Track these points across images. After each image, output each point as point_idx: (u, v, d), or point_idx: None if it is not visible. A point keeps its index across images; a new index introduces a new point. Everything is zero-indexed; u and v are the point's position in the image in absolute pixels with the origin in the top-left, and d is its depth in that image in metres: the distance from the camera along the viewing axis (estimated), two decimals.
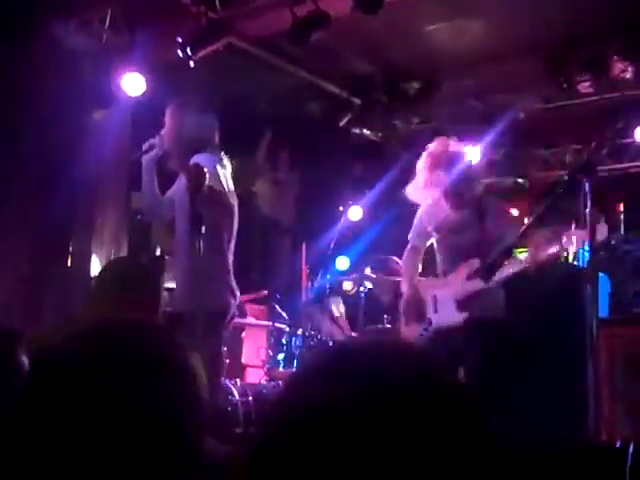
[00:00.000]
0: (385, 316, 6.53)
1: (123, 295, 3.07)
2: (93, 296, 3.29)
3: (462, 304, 4.76)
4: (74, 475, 1.18)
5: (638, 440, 4.48)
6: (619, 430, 5.04)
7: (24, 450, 1.19)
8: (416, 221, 5.19)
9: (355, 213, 7.54)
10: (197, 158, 4.35)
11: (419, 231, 5.16)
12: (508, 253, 4.50)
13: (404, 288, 5.17)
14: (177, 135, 4.58)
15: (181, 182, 4.61)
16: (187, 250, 4.36)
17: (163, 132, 4.66)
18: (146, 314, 3.09)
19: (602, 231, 4.32)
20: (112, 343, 1.29)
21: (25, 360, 1.23)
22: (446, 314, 4.84)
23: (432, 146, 5.01)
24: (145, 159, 4.70)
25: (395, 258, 6.68)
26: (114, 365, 1.25)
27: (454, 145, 4.98)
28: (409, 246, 5.23)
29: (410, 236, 5.22)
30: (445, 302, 4.85)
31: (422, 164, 5.00)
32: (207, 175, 4.11)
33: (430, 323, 4.91)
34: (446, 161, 4.89)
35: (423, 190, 5.02)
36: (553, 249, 4.58)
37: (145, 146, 4.69)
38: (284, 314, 6.54)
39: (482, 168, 5.01)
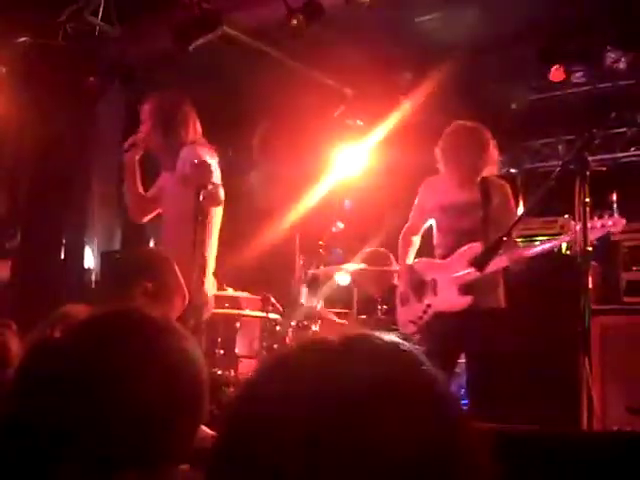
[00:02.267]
0: (379, 307, 6.54)
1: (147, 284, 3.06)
2: (107, 286, 3.26)
3: (464, 289, 4.72)
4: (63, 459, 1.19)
5: (631, 429, 4.52)
6: (612, 420, 5.06)
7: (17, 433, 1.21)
8: (418, 199, 5.06)
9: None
10: (197, 152, 4.36)
11: (420, 208, 5.03)
12: (501, 243, 4.49)
13: (400, 267, 5.12)
14: (160, 131, 4.55)
15: (171, 178, 4.57)
16: (186, 245, 4.35)
17: (143, 129, 4.61)
18: (172, 301, 3.11)
19: (619, 222, 4.39)
20: (104, 334, 1.30)
21: (16, 349, 1.24)
22: (447, 298, 4.77)
23: (459, 124, 4.96)
24: (126, 158, 4.66)
25: (385, 250, 6.68)
26: (107, 354, 1.26)
27: (474, 125, 4.92)
28: (408, 224, 5.11)
29: (411, 214, 5.11)
30: (446, 286, 4.78)
31: (448, 140, 4.91)
32: (213, 170, 4.13)
33: (429, 306, 4.86)
34: (467, 138, 4.83)
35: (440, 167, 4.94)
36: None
37: (126, 145, 4.66)
38: (278, 305, 6.55)
39: (495, 152, 4.94)
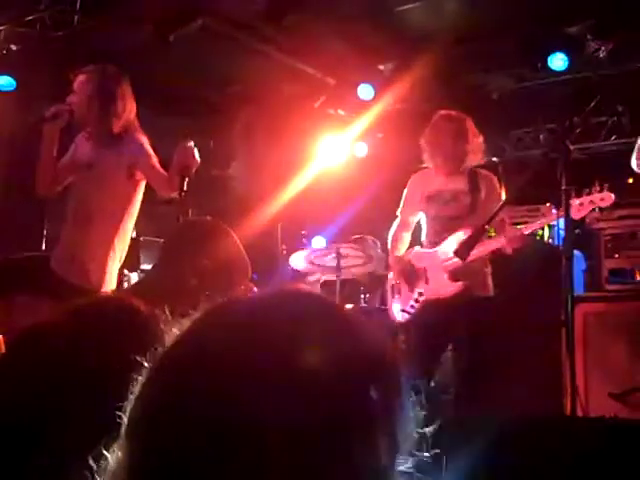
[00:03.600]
0: (362, 296, 6.54)
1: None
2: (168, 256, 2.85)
3: (453, 274, 4.75)
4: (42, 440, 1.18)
5: (614, 414, 4.55)
6: (595, 406, 5.10)
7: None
8: (405, 193, 5.13)
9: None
10: (140, 139, 4.33)
11: (409, 202, 5.10)
12: (483, 232, 4.51)
13: (391, 261, 5.16)
14: (97, 103, 4.41)
15: (106, 156, 4.44)
16: (108, 222, 4.37)
17: (73, 100, 4.48)
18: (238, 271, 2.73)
19: (608, 198, 4.40)
20: (89, 323, 1.30)
21: None
22: (437, 285, 4.82)
23: (440, 114, 5.02)
24: (48, 127, 4.50)
25: (371, 237, 6.68)
26: (90, 343, 1.26)
27: (456, 115, 4.99)
28: (398, 220, 5.17)
29: (399, 210, 5.17)
30: (436, 273, 4.83)
31: (430, 130, 4.98)
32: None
33: (421, 294, 4.90)
34: (448, 128, 4.90)
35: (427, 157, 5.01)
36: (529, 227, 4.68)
37: (48, 114, 4.47)
38: None
39: (478, 140, 5.00)
